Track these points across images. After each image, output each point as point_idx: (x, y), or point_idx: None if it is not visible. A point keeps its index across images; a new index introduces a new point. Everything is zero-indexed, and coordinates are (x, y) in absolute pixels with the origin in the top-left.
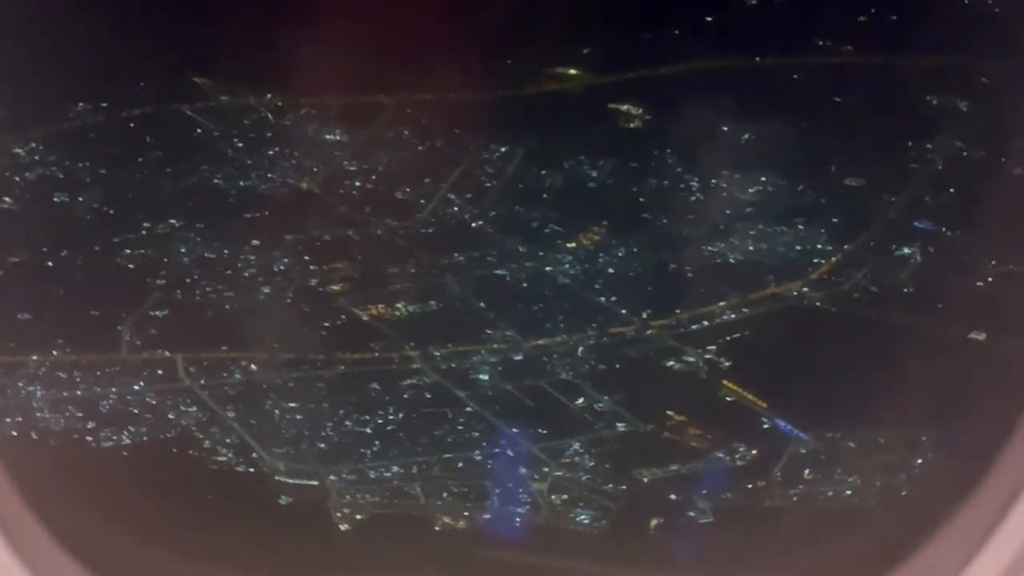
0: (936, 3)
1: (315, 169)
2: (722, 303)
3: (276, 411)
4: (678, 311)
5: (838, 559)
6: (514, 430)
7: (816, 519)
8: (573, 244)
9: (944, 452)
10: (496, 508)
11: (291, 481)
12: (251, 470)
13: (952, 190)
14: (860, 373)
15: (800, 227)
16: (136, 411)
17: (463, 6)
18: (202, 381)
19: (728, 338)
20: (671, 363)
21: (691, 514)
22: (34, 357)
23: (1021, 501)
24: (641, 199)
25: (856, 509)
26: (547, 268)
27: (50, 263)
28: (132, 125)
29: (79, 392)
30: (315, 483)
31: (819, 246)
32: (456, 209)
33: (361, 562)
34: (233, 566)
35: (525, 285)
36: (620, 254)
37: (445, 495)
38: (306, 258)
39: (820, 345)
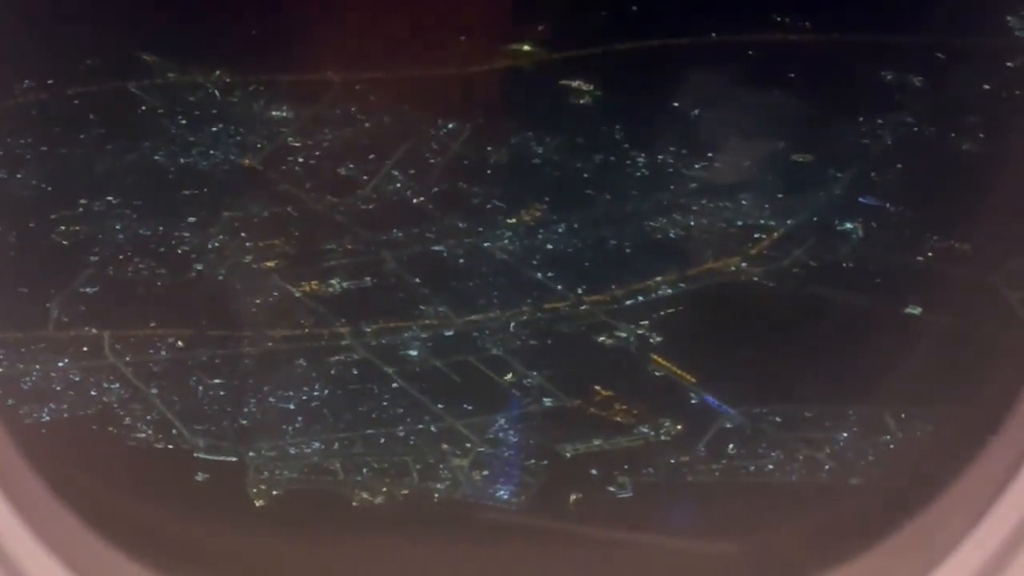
0: None
1: (259, 145)
2: (658, 278)
3: (200, 388)
4: (614, 287)
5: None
6: (439, 406)
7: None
8: (513, 220)
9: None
10: (414, 483)
11: (209, 458)
12: (170, 447)
13: (900, 165)
14: (792, 348)
15: (744, 203)
16: (58, 388)
17: None
18: (127, 358)
19: (662, 313)
20: (603, 339)
21: (611, 489)
22: None
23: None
24: (585, 175)
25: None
26: (485, 244)
27: None
28: (76, 102)
29: (1, 369)
30: (234, 459)
31: (762, 222)
32: (399, 186)
33: (274, 537)
34: (143, 541)
35: (462, 261)
36: (560, 230)
37: (365, 471)
38: (243, 235)
39: (754, 320)
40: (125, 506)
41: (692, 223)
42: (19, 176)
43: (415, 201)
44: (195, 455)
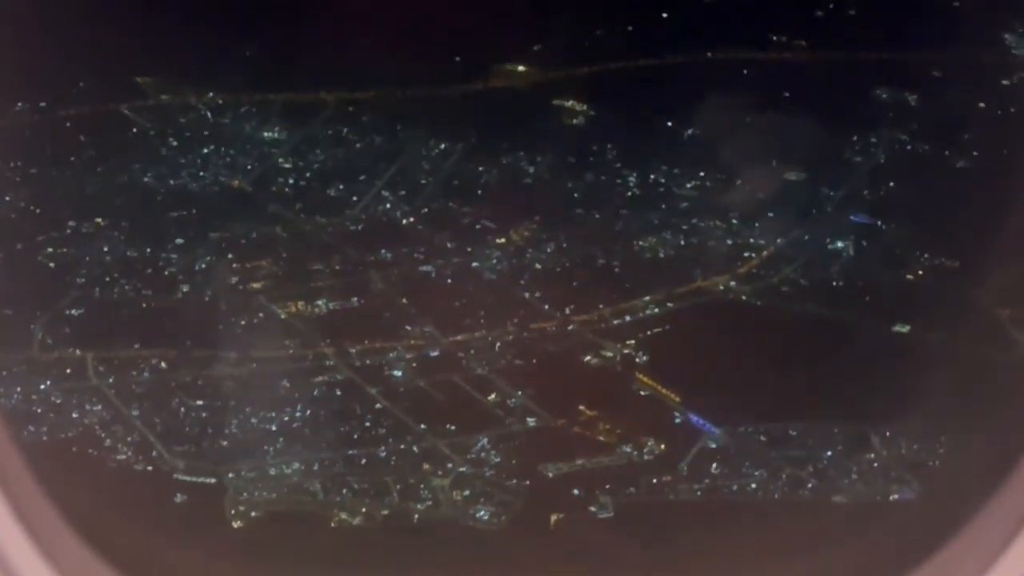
0: None
1: (249, 167)
2: (646, 298)
3: (182, 409)
4: (601, 306)
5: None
6: (422, 426)
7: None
8: (503, 240)
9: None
10: (394, 504)
11: (189, 479)
12: (149, 468)
13: (892, 183)
14: (778, 365)
15: (734, 222)
16: (39, 410)
17: (410, 5)
18: (110, 380)
19: (648, 332)
20: (588, 358)
21: (592, 509)
22: None
23: None
24: (576, 195)
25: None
26: (474, 264)
27: None
28: (68, 124)
29: None
30: (213, 481)
31: (751, 240)
32: (388, 206)
33: (252, 558)
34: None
35: (450, 281)
36: (549, 249)
37: (345, 491)
38: (230, 256)
39: (741, 339)
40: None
41: (682, 242)
42: (7, 198)
43: (404, 221)
44: (175, 476)
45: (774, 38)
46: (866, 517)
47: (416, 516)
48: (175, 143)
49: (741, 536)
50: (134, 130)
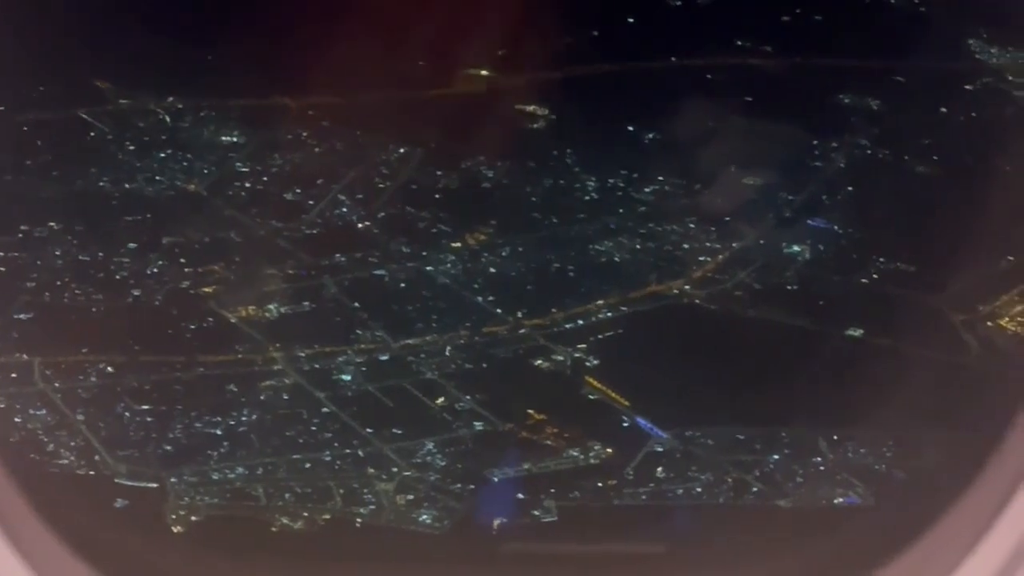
0: (862, 2)
1: (206, 171)
2: (600, 302)
3: (127, 414)
4: (554, 310)
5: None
6: (368, 430)
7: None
8: (458, 244)
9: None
10: (337, 508)
11: (130, 484)
12: (91, 473)
13: (851, 188)
14: (729, 370)
15: (692, 226)
16: None
17: (374, 8)
18: (56, 384)
19: (600, 337)
20: (539, 362)
21: (535, 513)
22: None
23: None
24: (534, 199)
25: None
26: (428, 268)
27: None
28: (25, 128)
29: None
30: (155, 485)
31: (708, 244)
32: (345, 210)
33: (192, 563)
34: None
35: (403, 285)
36: (504, 254)
37: (287, 496)
38: (182, 260)
39: (693, 343)
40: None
41: (638, 246)
42: None
43: (360, 226)
44: (116, 481)
45: (739, 43)
46: (815, 522)
47: (359, 521)
48: (132, 147)
49: (689, 539)
50: (92, 135)
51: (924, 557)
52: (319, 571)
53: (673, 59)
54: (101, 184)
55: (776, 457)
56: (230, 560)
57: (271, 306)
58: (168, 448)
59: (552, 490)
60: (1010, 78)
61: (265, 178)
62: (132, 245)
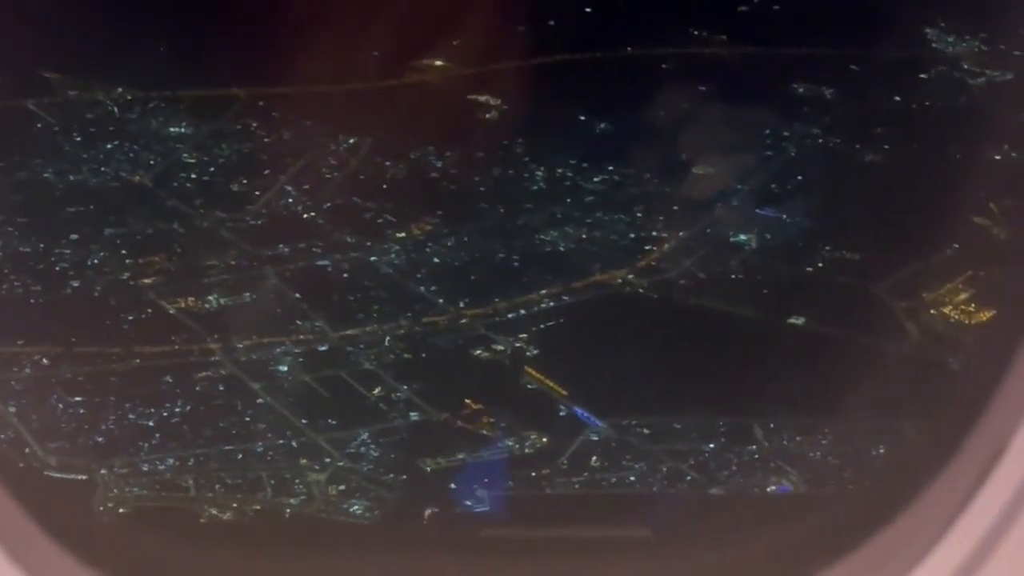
0: None
1: (152, 162)
2: (543, 291)
3: (60, 405)
4: (497, 300)
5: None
6: (303, 421)
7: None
8: (403, 234)
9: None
10: (268, 499)
11: (60, 476)
12: (20, 465)
13: (800, 177)
14: (668, 359)
15: (639, 215)
16: None
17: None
18: None
19: (541, 326)
20: (479, 352)
21: (468, 503)
22: None
23: None
24: (482, 188)
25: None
26: (372, 258)
27: None
28: None
29: None
30: (84, 477)
31: (654, 233)
32: (291, 201)
33: (119, 555)
34: None
35: (346, 276)
36: (449, 244)
37: (218, 487)
38: (123, 252)
39: (634, 332)
40: None
41: (584, 236)
42: None
43: (306, 216)
44: (45, 473)
45: (695, 33)
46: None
47: (288, 511)
48: (79, 139)
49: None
50: (38, 125)
51: (879, 555)
52: (245, 560)
53: (628, 49)
54: (45, 175)
55: (712, 446)
56: (155, 550)
57: (211, 297)
58: (100, 440)
59: (485, 480)
60: (966, 67)
61: (212, 169)
62: (74, 236)
